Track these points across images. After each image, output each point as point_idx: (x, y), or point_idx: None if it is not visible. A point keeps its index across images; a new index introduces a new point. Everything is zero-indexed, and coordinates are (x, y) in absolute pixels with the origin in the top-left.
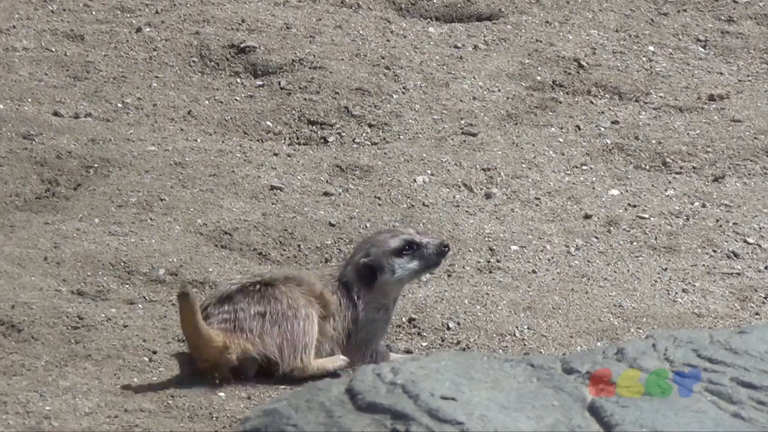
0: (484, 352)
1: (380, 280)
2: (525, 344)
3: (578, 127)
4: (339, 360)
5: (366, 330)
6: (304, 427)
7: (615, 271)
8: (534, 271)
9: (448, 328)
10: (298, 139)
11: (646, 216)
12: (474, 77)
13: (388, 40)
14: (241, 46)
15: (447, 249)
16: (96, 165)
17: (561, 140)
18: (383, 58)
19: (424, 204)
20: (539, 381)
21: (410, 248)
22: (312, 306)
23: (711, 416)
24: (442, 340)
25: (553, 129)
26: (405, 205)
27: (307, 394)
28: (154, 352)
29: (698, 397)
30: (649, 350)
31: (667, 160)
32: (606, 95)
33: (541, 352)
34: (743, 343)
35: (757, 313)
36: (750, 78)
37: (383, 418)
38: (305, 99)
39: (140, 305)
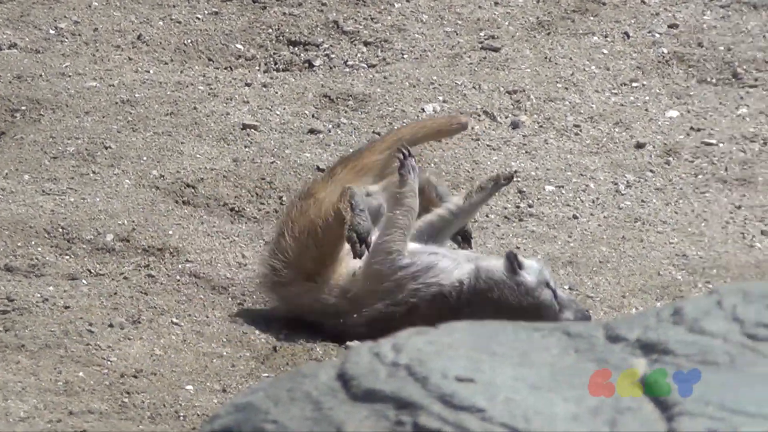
0: (509, 321)
1: None
2: None
3: (626, 34)
4: None
5: None
6: (286, 424)
7: (676, 212)
8: (575, 217)
9: None
10: (275, 64)
11: (714, 142)
12: None
13: None
14: None
15: None
16: (23, 108)
17: (605, 52)
18: None
19: None
20: (578, 353)
21: None
22: None
23: None
24: None
25: (595, 38)
26: None
27: (289, 382)
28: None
29: None
30: (714, 309)
31: (739, 70)
32: None
33: None
34: None
35: None
36: None
37: (384, 407)
38: (284, 14)
39: (84, 281)
